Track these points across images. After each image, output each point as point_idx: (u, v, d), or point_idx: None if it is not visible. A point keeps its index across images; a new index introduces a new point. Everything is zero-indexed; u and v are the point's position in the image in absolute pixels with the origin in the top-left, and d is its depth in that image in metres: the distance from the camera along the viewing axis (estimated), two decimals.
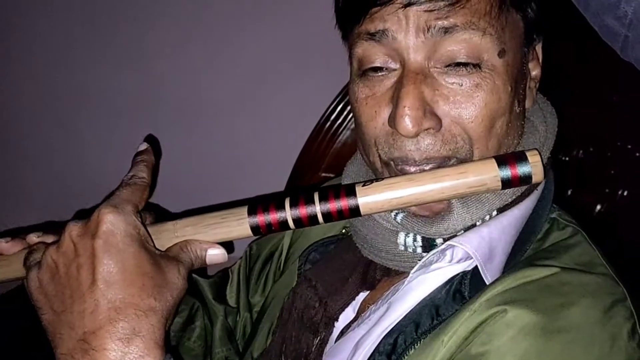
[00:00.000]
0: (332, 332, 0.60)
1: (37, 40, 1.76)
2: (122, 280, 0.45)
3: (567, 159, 1.65)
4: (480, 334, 0.46)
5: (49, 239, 0.56)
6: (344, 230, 0.69)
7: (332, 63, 1.61)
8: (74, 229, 0.47)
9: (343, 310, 0.60)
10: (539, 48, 0.59)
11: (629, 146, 1.64)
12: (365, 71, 0.54)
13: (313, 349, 0.59)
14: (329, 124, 1.70)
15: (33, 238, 0.57)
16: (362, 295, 0.61)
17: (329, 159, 1.72)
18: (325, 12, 1.58)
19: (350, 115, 1.70)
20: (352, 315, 0.60)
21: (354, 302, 0.61)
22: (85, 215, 0.53)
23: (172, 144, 1.75)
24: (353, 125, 1.68)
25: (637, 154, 1.64)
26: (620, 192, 1.68)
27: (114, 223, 0.46)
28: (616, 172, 1.67)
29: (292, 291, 0.65)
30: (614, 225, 1.65)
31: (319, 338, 0.60)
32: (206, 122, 1.73)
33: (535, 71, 0.59)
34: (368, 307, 0.58)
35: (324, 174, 1.71)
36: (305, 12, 1.63)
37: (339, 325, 0.60)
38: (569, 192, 1.69)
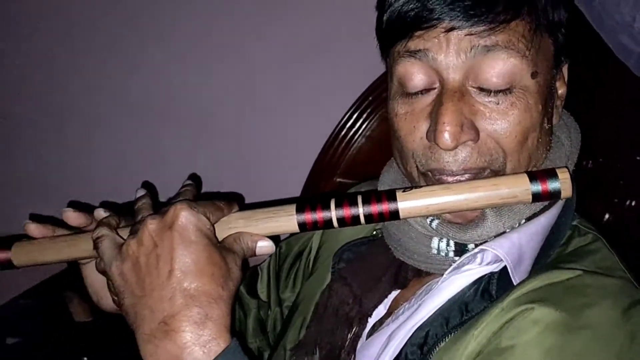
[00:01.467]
0: (365, 327, 0.64)
1: (59, 43, 1.81)
2: (196, 270, 0.49)
3: (577, 169, 1.70)
4: (509, 328, 0.50)
5: (113, 219, 0.59)
6: (374, 232, 0.73)
7: (349, 73, 1.67)
8: (152, 223, 0.52)
9: (376, 307, 0.65)
10: (565, 69, 0.63)
11: (638, 158, 1.68)
12: (405, 88, 0.58)
13: (347, 343, 0.64)
14: (344, 131, 1.74)
15: (101, 212, 0.61)
16: (394, 294, 0.65)
17: (344, 165, 1.76)
18: (343, 24, 1.64)
19: (365, 123, 1.74)
20: (384, 312, 0.65)
21: (386, 300, 0.65)
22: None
23: (189, 149, 1.80)
24: (368, 133, 1.75)
25: None
26: (628, 203, 1.72)
27: (187, 218, 0.51)
28: (625, 183, 1.70)
29: (327, 288, 0.70)
30: (622, 235, 1.69)
31: (353, 332, 0.64)
32: (225, 129, 1.77)
33: (561, 90, 0.63)
34: (399, 305, 0.62)
35: (339, 179, 1.75)
36: (324, 23, 1.69)
37: (372, 321, 0.64)
38: (579, 201, 1.73)
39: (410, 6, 0.55)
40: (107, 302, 0.68)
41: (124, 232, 0.57)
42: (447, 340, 0.54)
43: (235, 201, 0.57)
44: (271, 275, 0.84)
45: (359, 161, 1.77)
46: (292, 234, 0.73)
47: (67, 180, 1.88)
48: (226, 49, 1.74)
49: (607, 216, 1.77)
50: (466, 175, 0.56)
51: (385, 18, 0.58)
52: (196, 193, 0.62)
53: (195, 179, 0.63)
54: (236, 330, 0.55)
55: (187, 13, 1.74)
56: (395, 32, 0.57)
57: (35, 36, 1.81)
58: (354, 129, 1.73)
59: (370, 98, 1.71)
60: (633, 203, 1.74)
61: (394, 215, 0.54)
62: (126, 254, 0.52)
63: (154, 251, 0.51)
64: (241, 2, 1.72)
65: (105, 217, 0.58)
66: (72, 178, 1.88)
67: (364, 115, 1.72)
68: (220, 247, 0.53)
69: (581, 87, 1.57)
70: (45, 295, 1.60)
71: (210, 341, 0.48)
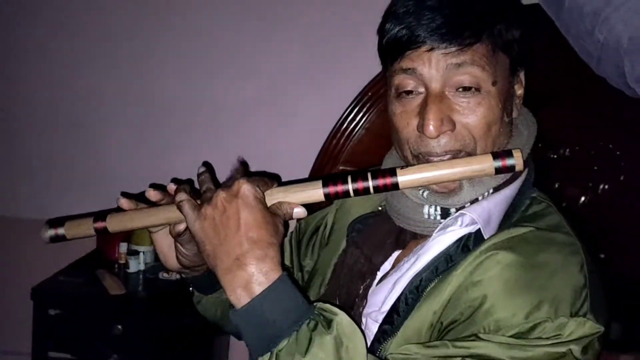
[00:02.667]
0: (375, 279, 0.82)
1: (90, 41, 1.97)
2: (255, 225, 0.68)
3: (555, 156, 1.87)
4: (479, 268, 0.69)
5: (186, 186, 0.77)
6: (380, 208, 0.91)
7: (350, 70, 1.83)
8: (222, 193, 0.70)
9: (383, 263, 0.83)
10: (522, 75, 0.81)
11: (610, 145, 1.86)
12: (400, 94, 0.77)
13: (360, 291, 0.82)
14: (346, 124, 1.90)
15: (171, 186, 0.80)
16: (396, 253, 0.83)
17: (346, 154, 1.92)
18: (345, 29, 1.79)
19: (365, 116, 1.91)
20: (389, 267, 0.83)
21: (390, 258, 0.83)
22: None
23: (200, 139, 1.95)
24: (367, 125, 1.92)
25: (617, 153, 1.86)
26: (602, 186, 1.90)
27: (248, 189, 0.70)
28: (599, 168, 1.88)
29: (343, 252, 0.89)
30: (596, 214, 1.87)
31: (365, 283, 0.83)
32: (236, 121, 1.94)
33: (519, 91, 0.81)
34: (401, 261, 0.81)
35: (342, 167, 1.92)
36: (327, 28, 1.85)
37: (379, 274, 0.83)
38: (557, 185, 1.91)
39: (402, 32, 0.74)
40: (172, 261, 0.86)
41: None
42: (436, 281, 0.73)
43: (275, 179, 0.76)
44: (293, 246, 1.03)
45: (360, 150, 1.94)
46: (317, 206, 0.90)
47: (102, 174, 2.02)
48: (234, 49, 1.90)
49: (583, 198, 1.95)
50: (447, 156, 0.74)
51: (384, 41, 0.77)
52: (212, 177, 0.79)
53: (207, 165, 0.80)
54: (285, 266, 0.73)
55: (195, 13, 1.89)
56: (392, 52, 0.76)
57: (59, 37, 1.96)
58: (354, 122, 1.89)
59: (370, 94, 1.88)
60: (606, 186, 1.93)
61: (395, 186, 0.72)
62: (205, 215, 0.70)
63: (225, 213, 0.68)
64: (248, 2, 1.87)
65: (181, 185, 0.76)
66: (107, 172, 2.02)
67: (364, 109, 1.88)
68: (270, 210, 0.72)
69: (559, 83, 1.74)
70: (79, 273, 1.77)
71: (269, 272, 0.66)
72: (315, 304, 0.69)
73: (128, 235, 1.86)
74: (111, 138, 1.99)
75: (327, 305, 0.68)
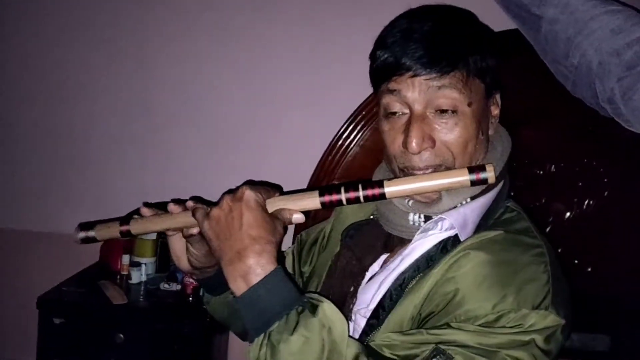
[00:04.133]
0: (364, 278, 0.90)
1: (83, 60, 2.04)
2: (256, 225, 0.77)
3: (541, 172, 1.95)
4: (454, 266, 0.77)
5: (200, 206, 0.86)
6: (371, 216, 0.99)
7: (345, 90, 1.92)
8: (228, 197, 0.80)
9: (372, 264, 0.91)
10: (497, 97, 0.90)
11: (594, 162, 1.94)
12: (388, 114, 0.86)
13: (351, 290, 0.90)
14: (341, 141, 1.98)
15: (190, 203, 0.88)
16: (384, 256, 0.91)
17: (341, 171, 1.99)
18: (340, 51, 1.87)
19: (360, 134, 1.98)
20: (377, 268, 0.90)
21: (379, 260, 0.91)
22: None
23: (197, 159, 2.02)
24: (362, 143, 2.00)
25: (601, 169, 1.94)
26: (587, 202, 1.98)
27: (250, 194, 0.79)
28: (583, 184, 1.96)
29: (337, 254, 0.97)
30: (581, 229, 1.94)
31: (355, 282, 0.90)
32: (234, 138, 2.01)
33: (495, 111, 0.90)
34: (388, 262, 0.88)
35: (337, 182, 1.99)
36: (323, 50, 1.94)
37: (368, 274, 0.90)
38: (543, 201, 1.98)
39: (390, 59, 0.83)
40: (184, 262, 0.94)
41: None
42: (417, 278, 0.81)
43: (277, 189, 0.84)
44: (295, 255, 1.11)
45: (354, 166, 2.01)
46: (309, 217, 0.97)
47: (101, 187, 2.08)
48: (233, 67, 1.98)
49: (568, 214, 2.02)
50: (429, 170, 0.83)
51: (374, 66, 0.87)
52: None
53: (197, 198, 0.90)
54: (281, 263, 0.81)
55: (196, 33, 1.96)
56: (381, 76, 0.85)
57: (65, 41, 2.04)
58: (349, 139, 1.97)
59: (364, 112, 1.95)
60: (591, 202, 2.00)
61: (382, 196, 0.80)
62: (212, 216, 0.80)
63: (230, 214, 0.78)
64: (247, 20, 1.95)
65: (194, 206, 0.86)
66: (106, 185, 2.08)
67: (358, 127, 1.95)
68: (270, 214, 0.80)
69: (544, 104, 1.81)
70: (83, 283, 1.83)
71: (265, 264, 0.74)
72: (305, 294, 0.76)
73: (130, 247, 1.92)
74: (112, 152, 2.05)
75: (315, 295, 0.76)
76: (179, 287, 1.83)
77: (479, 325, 0.72)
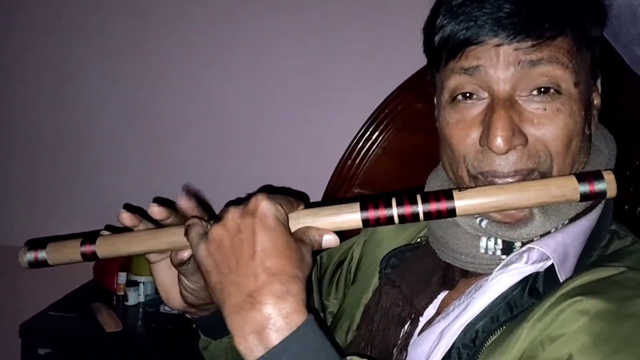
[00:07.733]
0: (417, 325, 0.68)
1: (92, 61, 1.87)
2: (276, 252, 0.54)
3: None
4: (559, 319, 0.55)
5: (196, 210, 0.66)
6: (418, 240, 0.77)
7: (365, 85, 1.73)
8: (235, 211, 0.56)
9: (426, 307, 0.69)
10: (599, 82, 0.68)
11: None
12: (456, 98, 0.63)
13: (400, 341, 0.68)
14: (361, 144, 1.79)
15: (183, 203, 0.67)
16: (443, 294, 0.69)
17: (361, 176, 1.80)
18: (360, 42, 1.69)
19: (382, 135, 1.79)
20: (433, 312, 0.69)
21: (435, 300, 0.69)
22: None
23: (207, 163, 1.86)
24: (385, 144, 1.78)
25: None
26: (639, 209, 1.76)
27: (268, 207, 0.56)
28: (635, 190, 1.74)
29: (377, 291, 0.74)
30: None
31: (405, 330, 0.68)
32: (245, 140, 1.85)
33: (596, 101, 0.68)
34: (449, 304, 0.67)
35: (357, 190, 1.79)
36: (342, 40, 1.75)
37: (422, 320, 0.69)
38: (631, 190, 1.76)
39: (461, 26, 0.61)
40: (175, 298, 0.72)
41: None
42: (497, 333, 0.59)
43: (302, 199, 0.62)
44: (314, 282, 0.88)
45: (377, 172, 1.82)
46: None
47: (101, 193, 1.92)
48: (245, 68, 1.82)
49: None
50: (516, 178, 0.61)
51: (437, 38, 0.64)
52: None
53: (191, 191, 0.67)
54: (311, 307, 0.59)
55: (205, 35, 1.82)
56: (448, 51, 0.62)
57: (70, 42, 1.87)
58: (370, 141, 1.78)
59: (386, 111, 1.76)
60: None
61: (451, 212, 0.58)
62: (212, 237, 0.56)
63: (237, 235, 0.55)
64: (262, 19, 1.80)
65: (194, 197, 0.63)
66: (106, 191, 1.92)
67: (380, 128, 1.77)
68: (294, 236, 0.58)
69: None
70: (73, 307, 1.64)
71: (290, 314, 0.52)
72: (346, 358, 0.55)
73: (127, 264, 1.73)
74: (106, 158, 1.91)
75: None
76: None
77: None
